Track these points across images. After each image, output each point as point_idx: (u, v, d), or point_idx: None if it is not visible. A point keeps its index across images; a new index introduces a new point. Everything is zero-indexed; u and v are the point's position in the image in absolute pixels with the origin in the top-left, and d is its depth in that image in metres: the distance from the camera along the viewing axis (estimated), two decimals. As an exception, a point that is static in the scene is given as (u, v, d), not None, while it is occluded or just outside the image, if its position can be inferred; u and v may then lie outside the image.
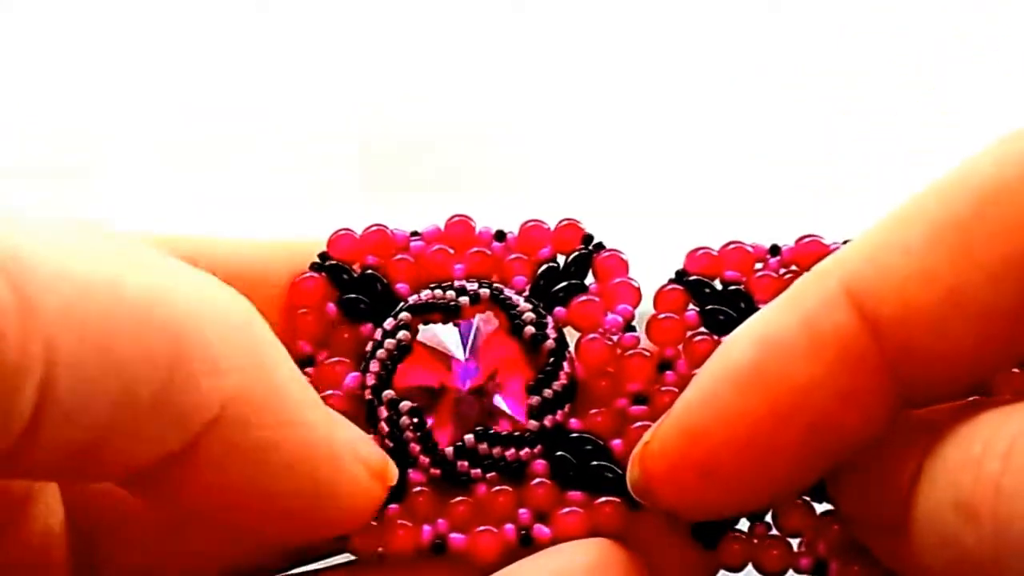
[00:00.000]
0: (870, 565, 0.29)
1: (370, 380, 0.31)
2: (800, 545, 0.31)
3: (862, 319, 0.26)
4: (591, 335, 0.32)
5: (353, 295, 0.32)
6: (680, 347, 0.32)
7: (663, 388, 0.31)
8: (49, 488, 0.30)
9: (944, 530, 0.24)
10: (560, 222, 0.33)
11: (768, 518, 0.31)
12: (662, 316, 0.32)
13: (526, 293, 0.32)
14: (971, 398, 0.28)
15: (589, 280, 0.32)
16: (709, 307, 0.32)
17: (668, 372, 0.32)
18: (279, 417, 0.26)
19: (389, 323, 0.32)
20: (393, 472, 0.30)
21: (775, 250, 0.32)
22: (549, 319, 0.32)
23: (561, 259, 0.33)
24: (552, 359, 0.32)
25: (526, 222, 0.33)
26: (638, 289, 0.32)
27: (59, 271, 0.23)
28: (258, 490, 0.26)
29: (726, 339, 0.29)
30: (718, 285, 0.32)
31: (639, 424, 0.31)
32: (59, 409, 0.22)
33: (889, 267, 0.26)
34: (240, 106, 0.56)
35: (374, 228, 0.32)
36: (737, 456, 0.27)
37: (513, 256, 0.32)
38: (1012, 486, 0.23)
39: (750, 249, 0.32)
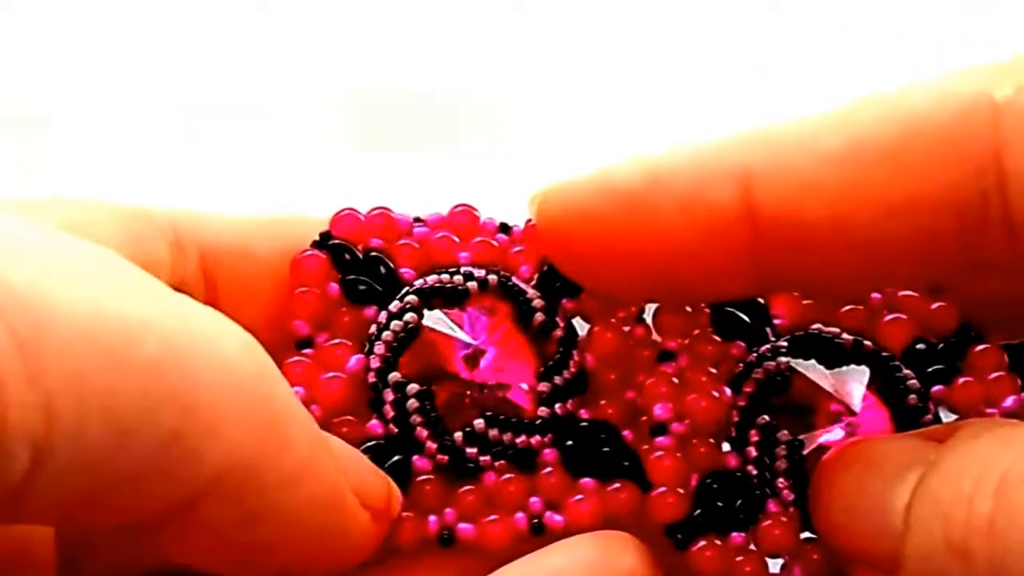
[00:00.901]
0: None
1: (375, 363, 0.30)
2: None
3: (745, 206, 0.26)
4: (602, 325, 0.31)
5: (357, 276, 0.31)
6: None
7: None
8: None
9: (938, 570, 0.24)
10: None
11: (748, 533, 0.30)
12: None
13: (532, 284, 0.31)
14: (958, 421, 0.29)
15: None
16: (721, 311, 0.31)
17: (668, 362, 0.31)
18: (284, 477, 0.25)
19: (395, 305, 0.31)
20: (397, 500, 0.29)
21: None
22: (557, 311, 0.31)
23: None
24: (562, 347, 0.31)
25: (529, 220, 0.32)
26: None
27: (65, 316, 0.21)
28: (258, 546, 0.25)
29: (624, 154, 0.28)
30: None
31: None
32: (54, 466, 0.21)
33: (791, 167, 0.26)
34: (223, 66, 0.55)
35: (378, 210, 0.32)
36: (589, 252, 0.28)
37: (517, 248, 0.32)
38: (1005, 525, 0.23)
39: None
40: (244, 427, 0.24)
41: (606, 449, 0.30)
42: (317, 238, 0.31)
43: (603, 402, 0.31)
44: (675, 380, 0.30)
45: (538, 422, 0.30)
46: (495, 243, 0.32)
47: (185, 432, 0.23)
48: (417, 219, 0.32)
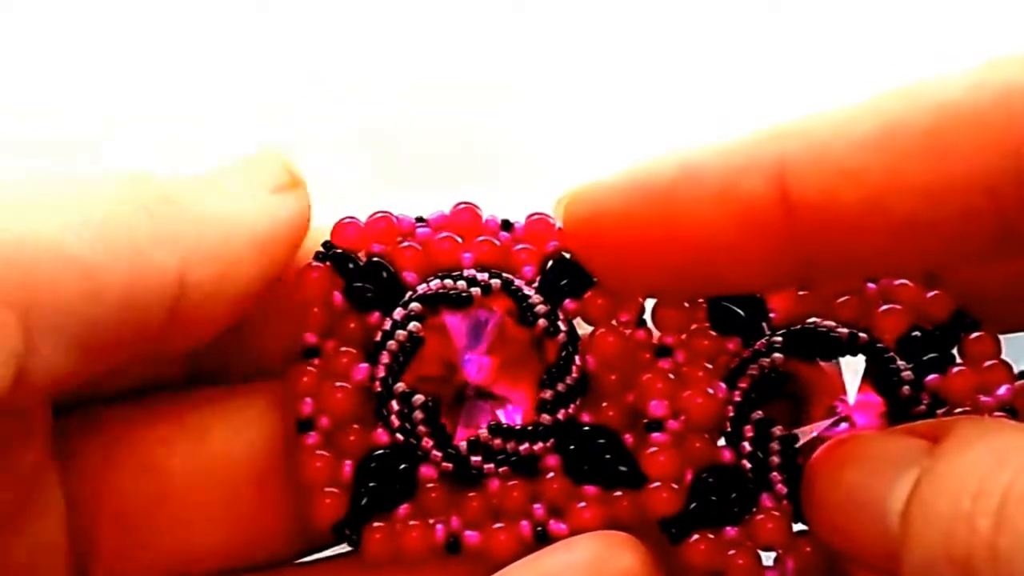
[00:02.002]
0: None
1: (380, 372, 0.31)
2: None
3: (780, 195, 0.26)
4: (605, 328, 0.31)
5: (359, 284, 0.31)
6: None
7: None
8: (50, 490, 0.29)
9: None
10: None
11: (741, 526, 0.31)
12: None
13: (535, 284, 0.31)
14: (960, 414, 0.30)
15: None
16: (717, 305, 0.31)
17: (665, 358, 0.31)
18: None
19: (399, 313, 0.31)
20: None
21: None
22: (559, 312, 0.31)
23: (567, 254, 0.32)
24: (564, 352, 0.31)
25: (531, 214, 0.32)
26: None
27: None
28: None
29: (665, 148, 0.28)
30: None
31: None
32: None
33: (826, 153, 0.26)
34: (245, 92, 0.55)
35: (379, 215, 0.32)
36: (620, 249, 0.28)
37: (520, 247, 0.32)
38: (1009, 548, 0.23)
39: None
40: None
41: (607, 455, 0.31)
42: (320, 249, 0.31)
43: (604, 404, 0.31)
44: (671, 376, 0.31)
45: (540, 428, 0.31)
46: (497, 242, 0.32)
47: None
48: (419, 219, 0.32)
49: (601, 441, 0.31)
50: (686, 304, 0.31)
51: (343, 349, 0.31)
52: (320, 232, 0.31)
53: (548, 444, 0.31)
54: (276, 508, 0.31)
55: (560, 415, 0.31)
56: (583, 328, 0.32)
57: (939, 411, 0.31)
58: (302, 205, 0.30)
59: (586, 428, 0.31)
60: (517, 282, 0.31)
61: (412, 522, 0.30)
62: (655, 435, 0.30)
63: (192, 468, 0.30)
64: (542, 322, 0.31)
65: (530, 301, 0.31)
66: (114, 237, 0.25)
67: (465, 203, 0.32)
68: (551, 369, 0.31)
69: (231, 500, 0.31)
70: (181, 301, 0.27)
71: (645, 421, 0.31)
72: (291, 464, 0.31)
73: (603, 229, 0.29)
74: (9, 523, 0.28)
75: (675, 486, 0.30)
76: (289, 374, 0.31)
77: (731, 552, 0.30)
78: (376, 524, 0.30)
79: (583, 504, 0.31)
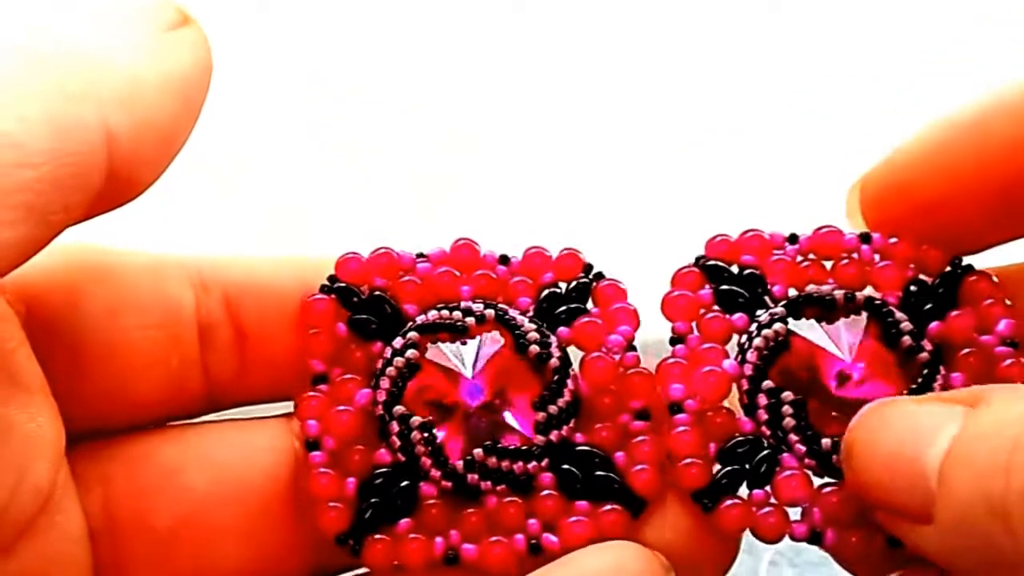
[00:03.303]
0: (869, 536, 0.31)
1: (381, 396, 0.32)
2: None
3: None
4: (595, 353, 0.33)
5: (362, 315, 0.33)
6: (693, 323, 0.33)
7: (671, 360, 0.32)
8: (68, 507, 0.31)
9: (977, 531, 0.26)
10: (562, 251, 0.34)
11: (768, 488, 0.32)
12: (676, 293, 0.33)
13: (530, 314, 0.33)
14: (964, 356, 0.32)
15: (589, 307, 0.34)
16: (724, 288, 0.33)
17: (679, 346, 0.33)
18: None
19: (398, 342, 0.33)
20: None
21: (793, 238, 0.33)
22: (553, 338, 0.33)
23: (563, 285, 0.34)
24: (557, 376, 0.33)
25: (528, 248, 0.34)
26: (636, 313, 0.33)
27: None
28: None
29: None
30: (735, 269, 0.33)
31: (640, 439, 0.32)
32: None
33: None
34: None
35: (381, 251, 0.34)
36: (933, 186, 0.31)
37: (517, 279, 0.34)
38: None
39: (767, 237, 0.33)
40: None
41: (599, 473, 0.32)
42: (325, 282, 0.33)
43: (597, 426, 0.33)
44: (684, 361, 0.32)
45: (535, 448, 0.32)
46: (495, 275, 0.34)
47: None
48: (420, 255, 0.34)
49: (593, 460, 0.32)
50: (690, 293, 0.33)
51: (347, 376, 0.33)
52: (325, 264, 0.33)
53: (543, 464, 0.32)
54: (292, 529, 0.33)
55: (553, 436, 0.32)
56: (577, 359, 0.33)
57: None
58: (200, 40, 0.30)
59: (579, 448, 0.33)
60: (511, 312, 0.33)
61: (413, 535, 0.32)
62: (678, 416, 0.32)
63: (213, 490, 0.32)
64: (534, 348, 0.33)
65: (522, 329, 0.33)
66: (34, 102, 0.25)
67: (464, 239, 0.34)
68: (544, 392, 0.33)
69: (249, 521, 0.32)
70: (112, 152, 0.26)
71: (667, 404, 0.32)
72: (302, 484, 0.32)
73: (919, 177, 0.31)
74: (23, 535, 0.29)
75: (700, 461, 0.32)
76: (298, 400, 0.33)
77: (762, 512, 0.32)
78: (378, 536, 0.32)
79: (574, 519, 0.32)
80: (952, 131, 0.31)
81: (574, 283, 0.34)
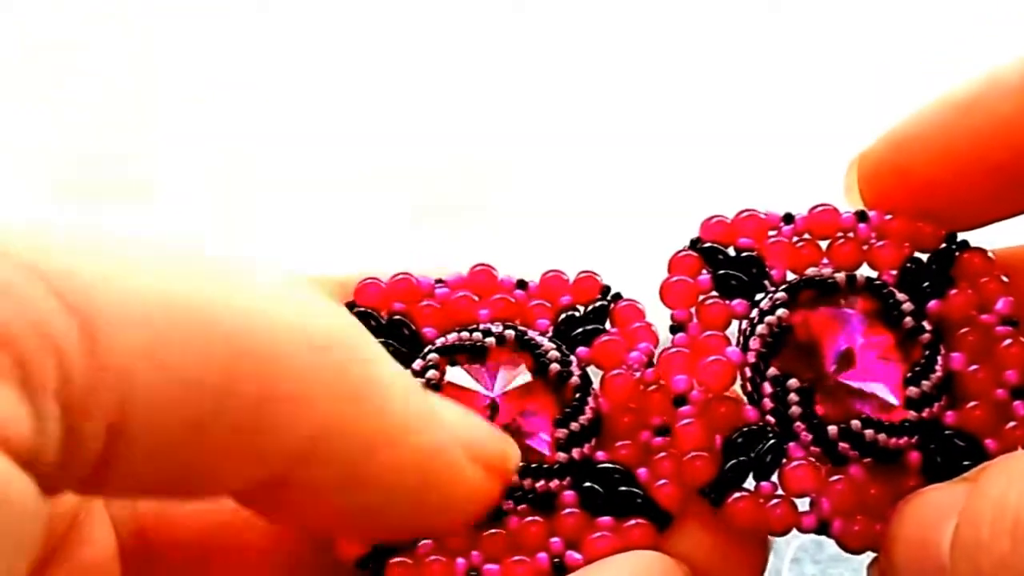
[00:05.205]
0: (870, 523, 0.31)
1: (402, 420, 0.32)
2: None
3: None
4: (616, 371, 0.33)
5: (383, 339, 0.33)
6: (692, 310, 0.33)
7: (673, 350, 0.32)
8: (97, 513, 0.31)
9: None
10: (579, 274, 0.34)
11: (775, 478, 0.31)
12: (675, 279, 0.33)
13: (549, 335, 0.33)
14: (962, 335, 0.32)
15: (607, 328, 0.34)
16: (722, 272, 0.33)
17: (680, 335, 0.32)
18: (374, 443, 0.25)
19: (418, 364, 0.33)
20: (514, 456, 0.29)
21: (788, 218, 0.33)
22: (573, 358, 0.33)
23: (581, 308, 0.34)
24: (578, 395, 0.33)
25: (546, 272, 0.34)
26: (655, 332, 0.33)
27: (131, 291, 0.22)
28: (360, 507, 0.26)
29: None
30: (732, 252, 0.33)
31: (662, 455, 0.32)
32: (134, 443, 0.22)
33: None
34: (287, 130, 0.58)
35: (400, 276, 0.34)
36: (930, 164, 0.31)
37: (535, 302, 0.34)
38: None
39: (763, 217, 0.33)
40: (329, 396, 0.24)
41: (622, 488, 0.32)
42: (344, 308, 0.33)
43: (618, 444, 0.33)
44: (686, 351, 0.32)
45: (556, 467, 0.32)
46: (512, 299, 0.34)
47: (267, 407, 0.23)
48: (439, 280, 0.34)
49: (615, 476, 0.32)
50: (689, 279, 0.33)
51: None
52: (345, 285, 0.34)
53: (564, 482, 0.32)
54: (323, 547, 0.32)
55: (575, 453, 0.32)
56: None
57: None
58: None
59: (600, 465, 0.32)
60: (530, 333, 0.33)
61: (434, 557, 0.32)
62: (682, 409, 0.32)
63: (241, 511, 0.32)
64: (555, 367, 0.33)
65: (542, 349, 0.33)
66: None
67: (482, 265, 0.34)
68: (565, 410, 0.32)
69: (281, 539, 0.32)
70: None
71: (671, 397, 0.32)
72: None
73: (916, 153, 0.32)
74: (57, 543, 0.29)
75: (706, 454, 0.31)
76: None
77: (770, 504, 0.31)
78: (399, 559, 0.32)
79: (598, 534, 0.32)
80: (949, 109, 0.31)
81: (592, 305, 0.34)
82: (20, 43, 0.58)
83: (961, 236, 0.33)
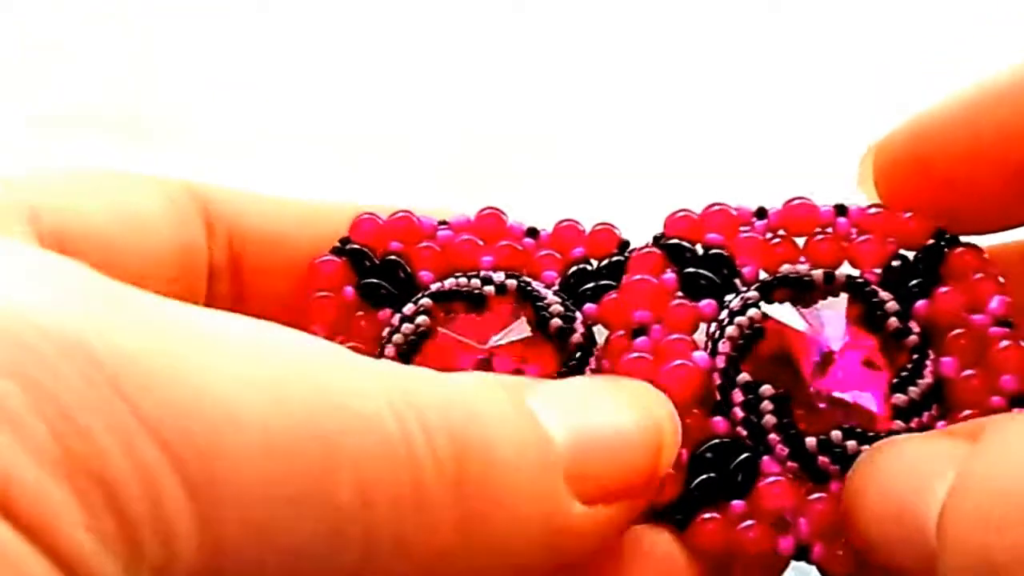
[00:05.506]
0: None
1: (385, 365, 0.30)
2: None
3: None
4: (619, 332, 0.30)
5: (373, 280, 0.31)
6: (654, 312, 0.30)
7: (634, 355, 0.29)
8: None
9: None
10: (596, 225, 0.31)
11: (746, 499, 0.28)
12: (636, 278, 0.30)
13: (555, 288, 0.31)
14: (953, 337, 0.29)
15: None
16: (688, 270, 0.30)
17: (641, 338, 0.29)
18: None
19: (409, 308, 0.30)
20: (650, 473, 0.26)
21: (761, 213, 0.30)
22: (578, 314, 0.30)
23: (594, 262, 0.31)
24: (579, 353, 0.30)
25: (561, 221, 0.32)
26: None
27: (247, 448, 0.19)
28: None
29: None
30: (700, 250, 0.30)
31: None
32: None
33: None
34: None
35: (400, 214, 0.31)
36: (953, 158, 0.28)
37: (544, 252, 0.31)
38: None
39: (734, 212, 0.30)
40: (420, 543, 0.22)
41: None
42: (337, 244, 0.31)
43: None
44: (648, 356, 0.29)
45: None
46: (520, 247, 0.31)
47: (364, 570, 0.21)
48: (443, 222, 0.32)
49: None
50: (654, 280, 0.30)
51: (350, 344, 0.30)
52: (341, 213, 0.31)
53: None
54: None
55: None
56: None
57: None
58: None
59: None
60: (534, 284, 0.31)
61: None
62: None
63: None
64: (556, 322, 0.30)
65: (545, 302, 0.30)
66: None
67: (491, 208, 0.32)
68: (562, 368, 0.30)
69: None
70: None
71: None
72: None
73: (936, 144, 0.29)
74: None
75: (671, 470, 0.28)
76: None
77: (741, 526, 0.28)
78: None
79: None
80: (976, 100, 0.28)
81: (606, 260, 0.31)
82: (20, 43, 0.57)
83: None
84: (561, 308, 0.30)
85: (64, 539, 0.18)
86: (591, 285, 0.31)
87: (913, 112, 0.29)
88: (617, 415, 0.26)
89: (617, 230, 0.31)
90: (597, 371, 0.30)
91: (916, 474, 0.24)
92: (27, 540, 0.17)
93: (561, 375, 0.30)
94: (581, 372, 0.30)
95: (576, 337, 0.30)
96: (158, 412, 0.19)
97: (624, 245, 0.31)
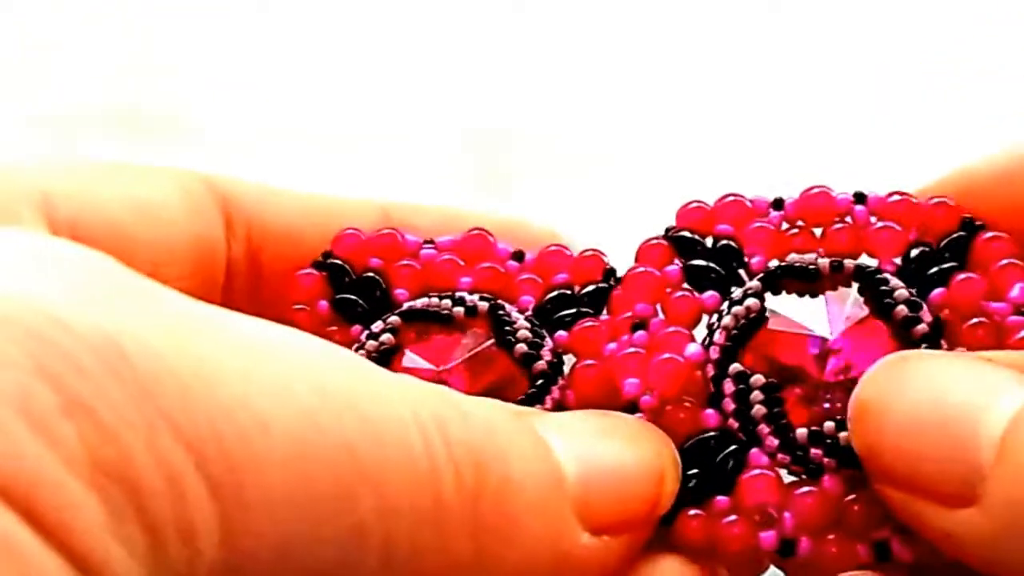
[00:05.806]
0: (848, 540, 0.26)
1: (350, 382, 0.30)
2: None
3: None
4: (587, 362, 0.29)
5: (348, 296, 0.31)
6: (656, 305, 0.29)
7: (629, 350, 0.28)
8: None
9: None
10: (583, 251, 0.31)
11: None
12: (639, 270, 0.29)
13: (528, 313, 0.30)
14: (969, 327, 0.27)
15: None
16: (694, 262, 0.29)
17: (640, 333, 0.28)
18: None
19: (377, 326, 0.30)
20: (652, 501, 0.26)
21: (778, 204, 0.29)
22: (547, 341, 0.30)
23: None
24: (541, 381, 0.29)
25: (548, 246, 0.31)
26: None
27: (273, 458, 0.20)
28: None
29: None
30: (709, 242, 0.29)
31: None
32: None
33: None
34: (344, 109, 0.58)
35: (385, 231, 0.32)
36: None
37: (525, 276, 0.31)
38: None
39: (749, 203, 0.29)
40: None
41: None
42: (319, 257, 0.31)
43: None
44: (642, 351, 0.28)
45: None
46: (502, 270, 0.31)
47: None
48: (428, 241, 0.31)
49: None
50: (655, 271, 0.29)
51: (322, 358, 0.31)
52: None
53: None
54: None
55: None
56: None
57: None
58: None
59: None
60: (507, 307, 0.30)
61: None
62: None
63: None
64: (520, 347, 0.29)
65: (514, 326, 0.30)
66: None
67: (478, 229, 0.32)
68: (523, 396, 0.29)
69: None
70: None
71: (623, 404, 0.28)
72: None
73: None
74: None
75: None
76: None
77: (725, 521, 0.27)
78: None
79: None
80: None
81: (590, 287, 0.30)
82: (20, 43, 0.60)
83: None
84: (529, 334, 0.29)
85: (87, 543, 0.18)
86: (569, 312, 0.30)
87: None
88: (622, 450, 0.26)
89: (605, 257, 0.31)
90: (561, 401, 0.29)
91: (969, 387, 0.24)
92: (49, 544, 0.17)
93: (520, 402, 0.29)
94: (541, 400, 0.29)
95: (540, 364, 0.29)
96: (187, 415, 0.19)
97: (609, 273, 0.30)
